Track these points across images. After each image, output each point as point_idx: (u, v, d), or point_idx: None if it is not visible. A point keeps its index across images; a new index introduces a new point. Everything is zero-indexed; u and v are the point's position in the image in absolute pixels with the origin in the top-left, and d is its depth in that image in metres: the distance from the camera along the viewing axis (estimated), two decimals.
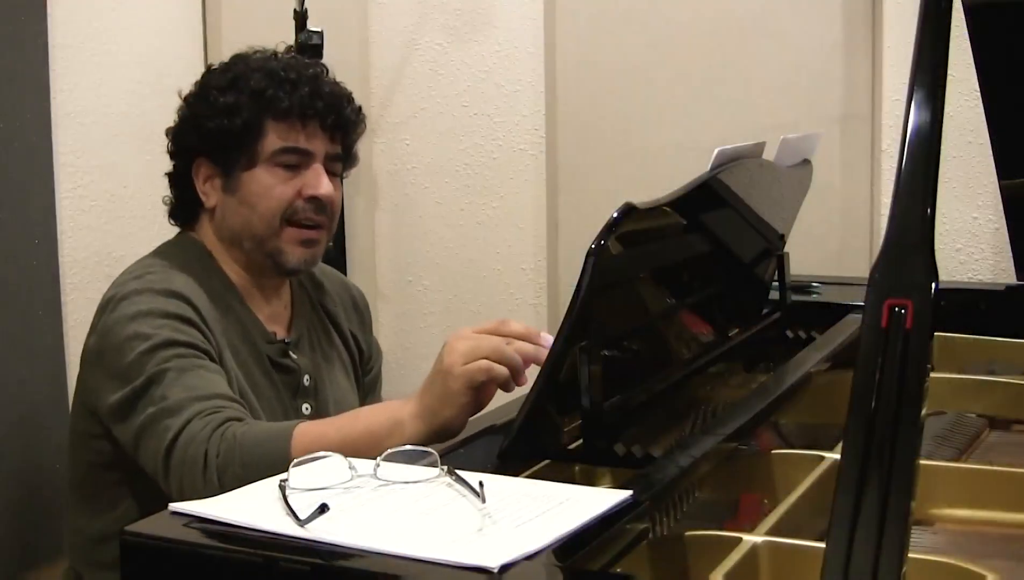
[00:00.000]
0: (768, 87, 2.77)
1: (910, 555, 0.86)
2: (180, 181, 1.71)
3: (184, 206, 1.72)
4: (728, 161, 1.61)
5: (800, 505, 1.29)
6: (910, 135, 0.95)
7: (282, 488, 1.11)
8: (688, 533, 1.23)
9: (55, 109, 2.36)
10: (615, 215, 1.31)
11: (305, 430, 1.40)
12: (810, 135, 2.07)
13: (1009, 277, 2.24)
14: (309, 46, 2.63)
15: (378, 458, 1.19)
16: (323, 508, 1.05)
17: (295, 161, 1.64)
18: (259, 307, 1.70)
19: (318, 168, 1.65)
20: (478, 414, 1.54)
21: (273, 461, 1.27)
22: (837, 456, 1.38)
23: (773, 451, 1.49)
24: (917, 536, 1.30)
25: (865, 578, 0.83)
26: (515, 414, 1.34)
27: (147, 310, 1.53)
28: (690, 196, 1.51)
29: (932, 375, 1.43)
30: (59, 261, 2.38)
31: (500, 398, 1.48)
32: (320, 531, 1.03)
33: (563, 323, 1.30)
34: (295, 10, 2.66)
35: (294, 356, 1.70)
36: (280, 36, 2.66)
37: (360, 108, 1.73)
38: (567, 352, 1.31)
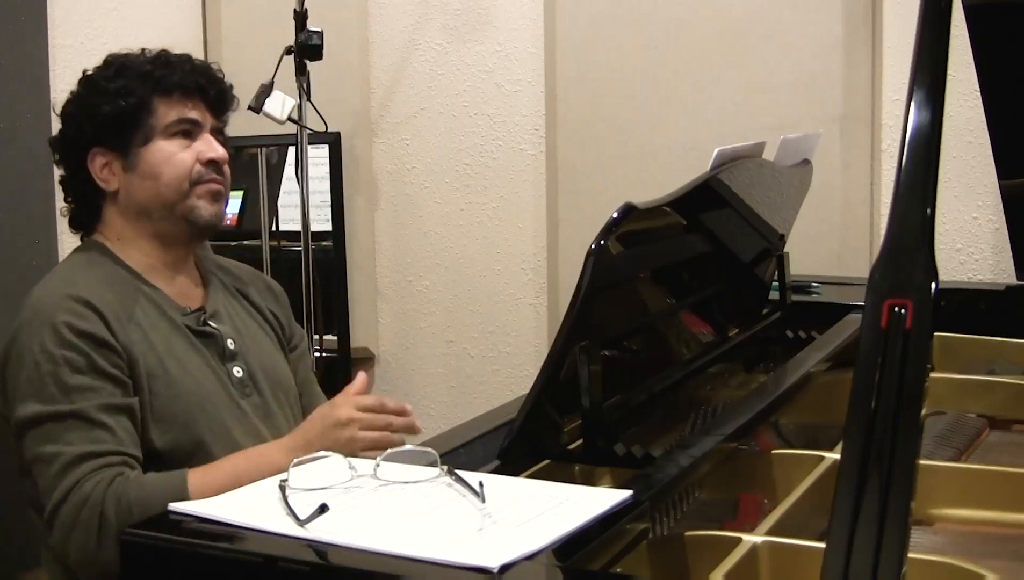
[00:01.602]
0: (768, 87, 2.77)
1: (910, 555, 0.86)
2: (76, 180, 1.77)
3: (84, 205, 1.78)
4: (728, 161, 1.61)
5: (800, 505, 1.29)
6: (910, 135, 0.95)
7: (282, 488, 1.11)
8: (688, 533, 1.23)
9: (55, 109, 2.36)
10: (615, 215, 1.31)
11: (196, 471, 1.54)
12: (810, 135, 2.08)
13: (1009, 277, 2.25)
14: (309, 46, 2.63)
15: (378, 458, 1.19)
16: (323, 508, 1.05)
17: (188, 129, 1.73)
18: (168, 286, 1.75)
19: (208, 136, 1.75)
20: (479, 414, 1.55)
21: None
22: (837, 456, 1.38)
23: (773, 451, 1.49)
24: (917, 536, 1.30)
25: (865, 578, 0.83)
26: (515, 414, 1.34)
27: (58, 332, 1.58)
28: (690, 196, 1.52)
29: (932, 375, 1.44)
30: (59, 261, 2.37)
31: (500, 398, 1.48)
32: (320, 531, 1.03)
33: (563, 323, 1.30)
34: (295, 10, 2.66)
35: (212, 324, 1.75)
36: (280, 36, 2.68)
37: (232, 86, 1.83)
38: (567, 352, 1.31)
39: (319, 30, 2.64)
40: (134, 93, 1.70)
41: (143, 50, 1.77)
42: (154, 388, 1.61)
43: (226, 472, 1.51)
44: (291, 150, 2.88)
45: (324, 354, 2.99)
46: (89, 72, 1.77)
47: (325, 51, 2.66)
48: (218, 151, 1.73)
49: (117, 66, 1.73)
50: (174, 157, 1.71)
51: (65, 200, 1.80)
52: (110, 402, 1.56)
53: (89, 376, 1.56)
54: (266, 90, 2.63)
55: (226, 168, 1.76)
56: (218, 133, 1.77)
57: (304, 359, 1.93)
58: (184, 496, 1.45)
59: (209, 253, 1.87)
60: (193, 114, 1.73)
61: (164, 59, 1.74)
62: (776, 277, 2.04)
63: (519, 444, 1.32)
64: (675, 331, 1.71)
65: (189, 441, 1.61)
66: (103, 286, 1.66)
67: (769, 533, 1.20)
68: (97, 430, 1.54)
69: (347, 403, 1.56)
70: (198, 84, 1.73)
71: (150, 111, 1.71)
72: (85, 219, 1.79)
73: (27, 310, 1.64)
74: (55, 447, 1.54)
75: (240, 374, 1.73)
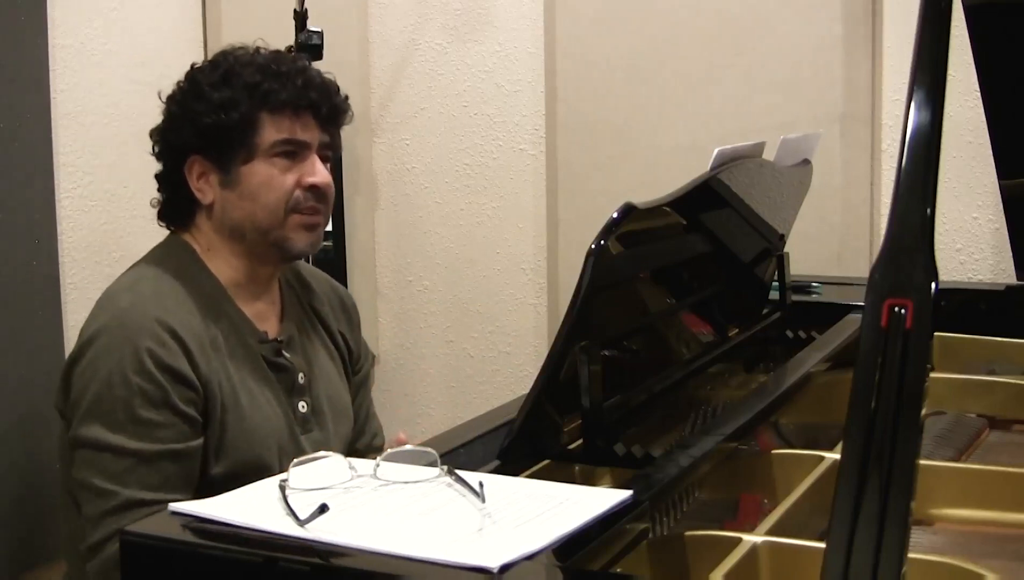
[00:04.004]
0: (768, 87, 2.77)
1: (910, 555, 0.86)
2: (171, 180, 1.70)
3: (176, 206, 1.71)
4: (728, 161, 1.61)
5: (800, 505, 1.29)
6: (910, 135, 0.95)
7: (282, 488, 1.11)
8: (688, 533, 1.23)
9: (55, 109, 2.36)
10: (615, 215, 1.31)
11: None
12: (810, 135, 2.08)
13: (1009, 277, 2.25)
14: (309, 46, 2.63)
15: (378, 458, 1.19)
16: (323, 508, 1.05)
17: (292, 151, 1.65)
18: (248, 306, 1.70)
19: (314, 157, 1.67)
20: (479, 414, 1.55)
21: None
22: (837, 456, 1.38)
23: (773, 451, 1.49)
24: (917, 536, 1.30)
25: (865, 578, 0.83)
26: (515, 414, 1.34)
27: (139, 359, 1.52)
28: (690, 196, 1.52)
29: (932, 375, 1.44)
30: (59, 261, 2.38)
31: (500, 398, 1.48)
32: (320, 531, 1.03)
33: (563, 323, 1.30)
34: (295, 10, 2.66)
35: (287, 355, 1.71)
36: (280, 36, 2.67)
37: (347, 97, 1.74)
38: (567, 352, 1.31)
39: (319, 30, 2.64)
40: (239, 107, 1.61)
41: (257, 49, 1.68)
42: (225, 421, 1.58)
43: None
44: None
45: None
46: (197, 66, 1.67)
47: (325, 51, 2.66)
48: (321, 176, 1.64)
49: (224, 71, 1.64)
50: (274, 180, 1.62)
51: (158, 190, 1.72)
52: (174, 447, 1.52)
53: (161, 411, 1.52)
54: None
55: (329, 193, 1.67)
56: (326, 148, 1.69)
57: (366, 385, 1.89)
58: None
59: None
60: (302, 135, 1.64)
61: (275, 69, 1.63)
62: (776, 277, 2.04)
63: (519, 444, 1.32)
64: (675, 331, 1.71)
65: (245, 472, 1.56)
66: (189, 307, 1.60)
67: (769, 533, 1.20)
68: (154, 475, 1.51)
69: None
70: (310, 101, 1.64)
71: (255, 128, 1.62)
72: (176, 218, 1.72)
73: (110, 317, 1.56)
74: (109, 485, 1.50)
75: (304, 410, 1.70)
